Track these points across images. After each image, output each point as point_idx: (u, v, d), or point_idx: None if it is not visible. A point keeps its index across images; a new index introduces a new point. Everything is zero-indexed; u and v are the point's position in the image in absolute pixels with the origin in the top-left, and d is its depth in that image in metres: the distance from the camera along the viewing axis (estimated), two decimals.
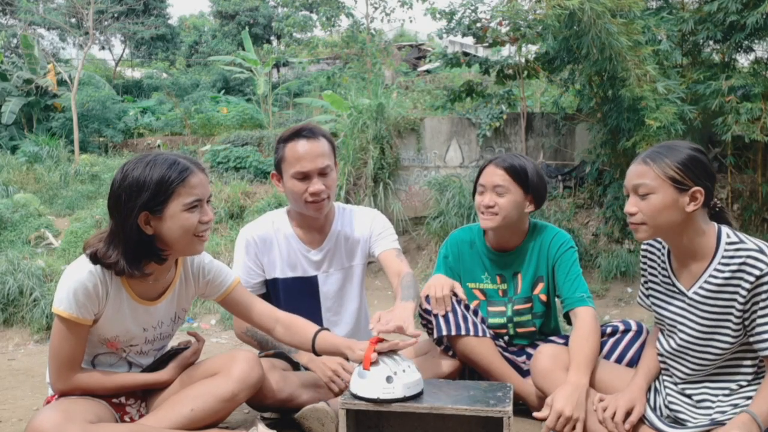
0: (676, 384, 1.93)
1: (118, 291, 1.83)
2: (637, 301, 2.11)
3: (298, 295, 2.39)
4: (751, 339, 1.75)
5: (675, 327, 1.90)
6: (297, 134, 2.27)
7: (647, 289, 2.03)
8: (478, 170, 2.32)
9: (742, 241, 1.77)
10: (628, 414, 1.88)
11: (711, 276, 1.79)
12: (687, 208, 1.76)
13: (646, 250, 2.01)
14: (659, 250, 1.97)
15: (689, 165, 1.76)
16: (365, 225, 2.47)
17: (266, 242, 2.36)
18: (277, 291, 2.40)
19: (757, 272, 1.70)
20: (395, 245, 2.47)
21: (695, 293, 1.83)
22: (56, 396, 1.88)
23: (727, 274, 1.76)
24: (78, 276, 1.76)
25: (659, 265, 1.96)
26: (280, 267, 2.38)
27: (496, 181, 2.23)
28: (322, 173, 2.25)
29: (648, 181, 1.77)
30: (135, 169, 1.75)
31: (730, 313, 1.77)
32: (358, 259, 2.47)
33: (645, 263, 2.02)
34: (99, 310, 1.80)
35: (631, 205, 1.82)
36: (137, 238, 1.76)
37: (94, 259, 1.77)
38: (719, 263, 1.78)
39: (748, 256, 1.72)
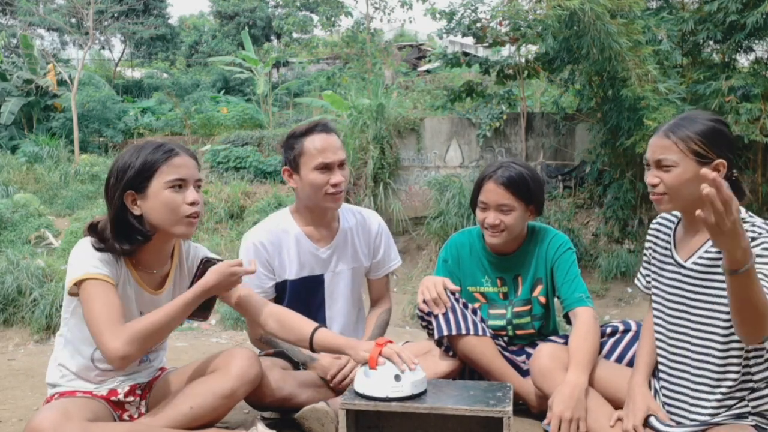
0: (673, 382, 1.93)
1: (128, 276, 1.86)
2: (635, 282, 2.11)
3: (303, 294, 2.40)
4: None
5: (673, 300, 1.89)
6: (314, 129, 2.31)
7: (646, 267, 2.03)
8: (476, 183, 2.29)
9: (751, 217, 1.76)
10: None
11: (712, 246, 1.78)
12: None
13: (655, 228, 2.00)
14: (668, 224, 1.96)
15: (711, 137, 1.75)
16: (372, 233, 2.52)
17: (275, 245, 2.36)
18: (283, 292, 2.40)
19: (761, 241, 1.68)
20: (392, 268, 2.60)
21: (694, 263, 1.82)
22: (56, 396, 1.88)
23: None
24: (90, 244, 1.81)
25: (663, 239, 1.96)
26: (290, 268, 2.38)
27: (499, 201, 2.21)
28: (341, 165, 2.31)
29: (671, 155, 1.76)
30: (125, 155, 1.83)
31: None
32: (361, 263, 2.50)
33: (651, 239, 2.01)
34: (116, 279, 1.81)
35: (653, 177, 1.80)
36: (124, 218, 1.81)
37: (91, 228, 1.83)
38: None
39: (753, 230, 1.72)
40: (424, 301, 2.23)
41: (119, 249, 1.80)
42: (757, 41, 6.93)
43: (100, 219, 1.86)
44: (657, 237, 1.99)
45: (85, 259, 1.78)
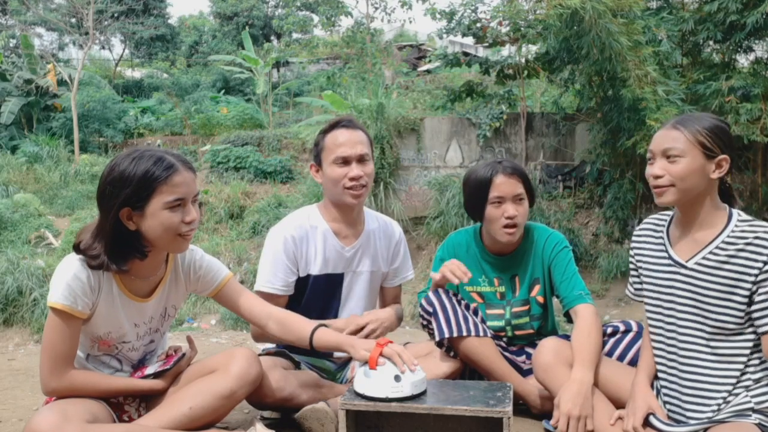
0: (673, 382, 1.92)
1: (110, 286, 1.83)
2: (626, 293, 2.11)
3: (323, 291, 2.41)
4: (754, 315, 1.75)
5: (665, 300, 1.89)
6: (337, 124, 2.35)
7: (635, 276, 2.03)
8: (483, 183, 2.26)
9: (754, 220, 1.81)
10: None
11: (718, 248, 1.79)
12: (712, 175, 1.79)
13: (639, 235, 2.01)
14: (661, 225, 1.97)
15: (717, 133, 1.80)
16: (392, 239, 2.54)
17: (303, 240, 2.37)
18: (305, 287, 2.40)
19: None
20: (407, 278, 2.62)
21: (697, 264, 1.82)
22: (56, 396, 1.88)
23: (739, 247, 1.76)
24: (71, 268, 1.77)
25: (653, 242, 1.96)
26: (314, 263, 2.39)
27: (515, 190, 2.23)
28: (361, 160, 2.31)
29: (679, 144, 1.79)
30: (122, 163, 1.75)
31: (737, 287, 1.76)
32: (380, 267, 2.50)
33: (637, 246, 2.01)
34: (93, 303, 1.80)
35: (659, 168, 1.83)
36: (119, 233, 1.76)
37: (78, 249, 1.78)
38: (728, 236, 1.79)
39: (765, 232, 1.75)
40: (428, 300, 2.22)
41: (115, 269, 1.77)
42: (757, 41, 6.93)
43: (82, 237, 1.80)
44: (645, 241, 1.99)
45: (60, 285, 1.75)
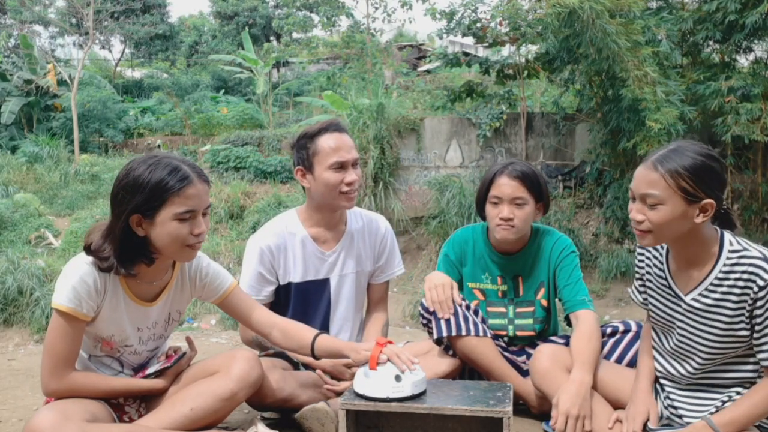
0: (672, 386, 1.93)
1: (116, 289, 1.84)
2: (630, 296, 2.10)
3: (309, 298, 2.40)
4: (755, 349, 1.74)
5: (673, 328, 1.89)
6: (327, 128, 2.30)
7: (641, 286, 2.02)
8: (486, 180, 2.29)
9: (745, 249, 1.72)
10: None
11: (712, 284, 1.75)
12: (696, 220, 1.69)
13: (642, 254, 2.00)
14: (656, 253, 1.94)
15: (702, 175, 1.67)
16: (378, 236, 2.52)
17: (281, 249, 2.36)
18: (288, 295, 2.39)
19: (761, 282, 1.66)
20: (394, 275, 2.57)
21: (694, 300, 1.80)
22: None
23: (730, 282, 1.72)
24: (78, 270, 1.77)
25: (656, 266, 1.94)
26: (294, 271, 2.38)
27: (514, 193, 2.23)
28: (355, 164, 2.31)
29: (658, 192, 1.68)
30: (137, 168, 1.75)
31: (739, 321, 1.73)
32: (364, 267, 2.49)
33: (641, 264, 2.00)
34: (98, 306, 1.80)
35: (638, 213, 1.74)
36: (128, 238, 1.77)
37: (89, 250, 1.79)
38: (721, 271, 1.74)
39: (751, 264, 1.68)
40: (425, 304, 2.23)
41: (123, 272, 1.78)
42: (756, 41, 6.92)
43: (93, 238, 1.81)
44: (649, 261, 1.97)
45: (66, 287, 1.76)
